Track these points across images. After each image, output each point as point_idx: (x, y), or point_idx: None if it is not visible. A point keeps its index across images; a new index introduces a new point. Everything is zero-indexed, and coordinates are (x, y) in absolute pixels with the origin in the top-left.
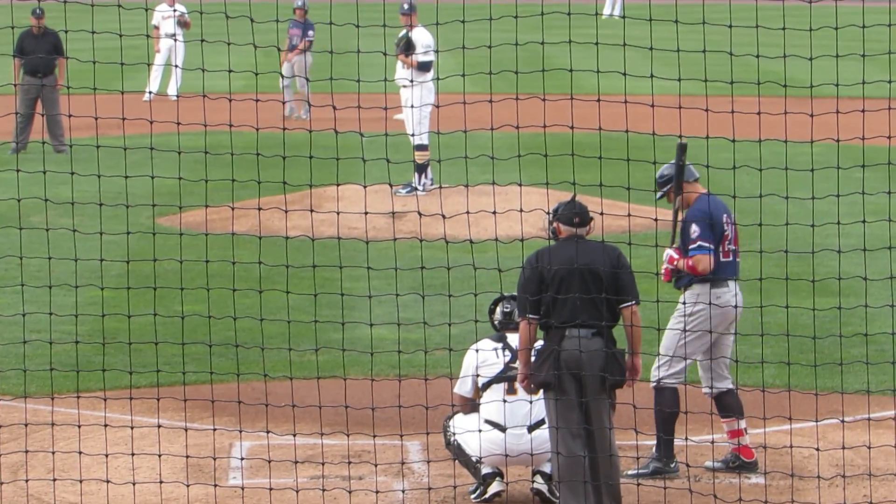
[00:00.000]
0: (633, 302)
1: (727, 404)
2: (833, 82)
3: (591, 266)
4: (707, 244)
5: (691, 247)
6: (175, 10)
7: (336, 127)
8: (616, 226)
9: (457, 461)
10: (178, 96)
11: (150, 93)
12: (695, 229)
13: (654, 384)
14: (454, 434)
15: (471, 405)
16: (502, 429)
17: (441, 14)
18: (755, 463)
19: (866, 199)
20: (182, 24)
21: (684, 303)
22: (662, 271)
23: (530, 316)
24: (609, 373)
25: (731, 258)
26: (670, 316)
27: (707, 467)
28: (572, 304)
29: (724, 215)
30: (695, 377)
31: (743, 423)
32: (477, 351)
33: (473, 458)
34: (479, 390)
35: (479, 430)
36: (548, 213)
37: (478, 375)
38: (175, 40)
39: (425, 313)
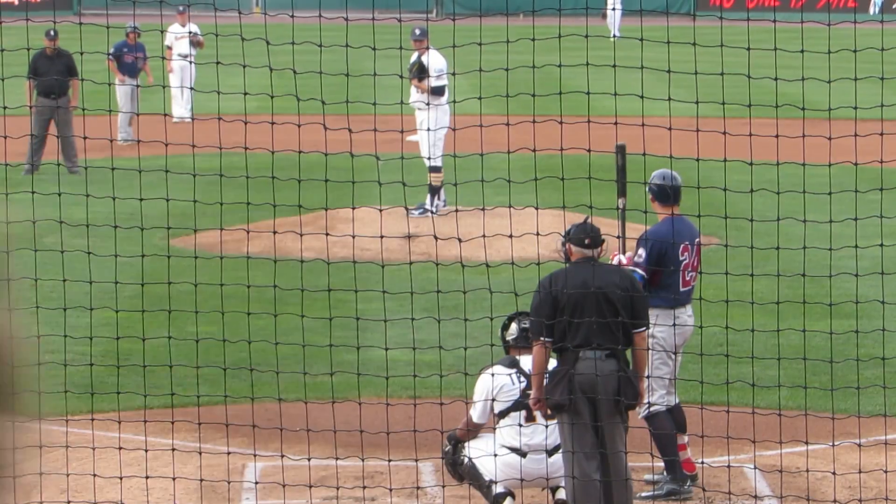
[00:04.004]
0: (646, 327)
1: (674, 420)
2: (851, 105)
3: (604, 289)
4: (642, 272)
5: (628, 266)
6: (188, 31)
7: (351, 149)
8: (630, 247)
9: (470, 483)
10: (192, 119)
11: (181, 117)
12: (640, 253)
13: (646, 413)
14: (467, 456)
15: (475, 431)
16: (521, 453)
17: (457, 36)
18: (695, 476)
19: (884, 221)
20: (195, 43)
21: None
22: None
23: (545, 339)
24: (623, 395)
25: (689, 287)
26: None
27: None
28: (587, 326)
29: (687, 242)
30: (710, 399)
31: (685, 438)
32: (492, 375)
33: (487, 480)
34: (496, 417)
35: (495, 455)
36: (562, 236)
37: (493, 400)
38: (189, 62)
39: (440, 336)
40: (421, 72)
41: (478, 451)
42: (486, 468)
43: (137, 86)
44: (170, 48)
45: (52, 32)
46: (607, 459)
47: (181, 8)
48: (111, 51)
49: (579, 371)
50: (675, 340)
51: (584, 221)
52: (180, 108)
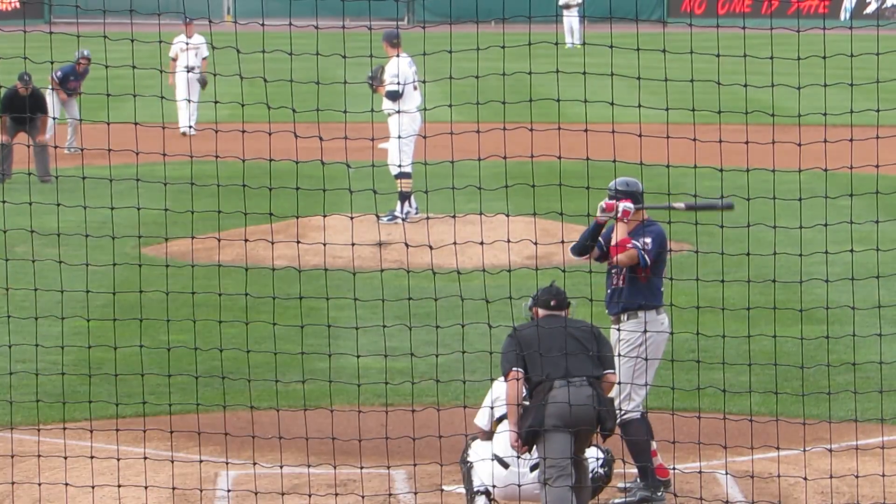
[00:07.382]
0: (612, 370)
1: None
2: (821, 111)
3: (571, 329)
4: (646, 258)
5: (633, 243)
6: (188, 43)
7: (322, 157)
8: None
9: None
10: (193, 130)
11: (189, 127)
12: (648, 242)
13: (620, 420)
14: (469, 457)
15: (487, 434)
16: (504, 464)
17: (428, 44)
18: (668, 482)
19: (854, 227)
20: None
21: (625, 330)
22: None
23: (516, 369)
24: (602, 421)
25: (663, 287)
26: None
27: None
28: (557, 360)
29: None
30: (682, 405)
31: (654, 445)
32: (495, 382)
33: (474, 488)
34: (496, 422)
35: (479, 460)
36: (530, 299)
37: (493, 407)
38: (188, 72)
39: (412, 343)
40: (380, 77)
41: (477, 455)
42: (479, 474)
43: (79, 93)
44: (174, 60)
45: (25, 77)
46: (579, 466)
47: (187, 18)
48: (58, 74)
49: (555, 400)
50: (659, 346)
51: (550, 285)
52: (185, 119)
